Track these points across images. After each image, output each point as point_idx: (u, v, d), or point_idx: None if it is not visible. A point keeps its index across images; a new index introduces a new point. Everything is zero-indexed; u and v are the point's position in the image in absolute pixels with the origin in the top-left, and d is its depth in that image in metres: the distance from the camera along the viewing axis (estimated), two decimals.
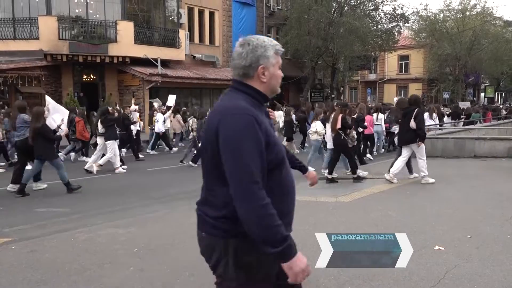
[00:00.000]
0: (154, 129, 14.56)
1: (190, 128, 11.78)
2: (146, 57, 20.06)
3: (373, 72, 43.57)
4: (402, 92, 43.42)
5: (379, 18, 29.17)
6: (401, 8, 29.11)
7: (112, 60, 19.90)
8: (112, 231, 5.44)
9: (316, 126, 10.09)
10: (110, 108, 11.40)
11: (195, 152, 11.28)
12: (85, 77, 21.00)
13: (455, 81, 36.94)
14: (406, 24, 31.91)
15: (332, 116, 8.78)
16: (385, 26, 29.31)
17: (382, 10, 28.94)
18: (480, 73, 40.74)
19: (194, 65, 24.16)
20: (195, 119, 11.63)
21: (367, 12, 28.61)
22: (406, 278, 3.80)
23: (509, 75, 43.70)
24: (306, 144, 14.73)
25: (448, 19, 36.41)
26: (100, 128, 10.44)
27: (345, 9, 27.83)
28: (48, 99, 9.45)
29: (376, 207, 6.35)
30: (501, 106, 29.67)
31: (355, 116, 10.68)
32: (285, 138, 13.26)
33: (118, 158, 10.68)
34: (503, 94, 47.83)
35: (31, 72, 18.36)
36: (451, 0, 51.57)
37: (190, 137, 11.77)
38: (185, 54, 23.09)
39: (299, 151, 14.09)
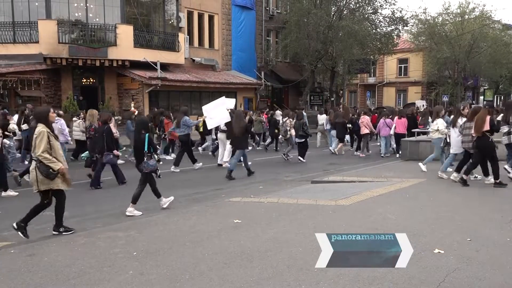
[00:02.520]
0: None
1: (288, 128, 13.25)
2: (146, 61, 20.09)
3: (372, 75, 43.65)
4: (402, 95, 43.53)
5: (378, 21, 29.24)
6: (400, 11, 29.02)
7: (112, 64, 19.94)
8: (111, 235, 5.43)
9: (437, 124, 9.78)
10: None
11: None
12: (84, 80, 21.02)
13: (454, 84, 37.01)
14: (405, 28, 32.01)
15: (475, 117, 8.03)
16: (384, 29, 29.38)
17: (381, 13, 29.05)
18: (479, 76, 40.82)
19: (193, 69, 24.20)
20: (291, 120, 13.43)
21: (366, 16, 28.67)
22: (406, 281, 3.79)
23: (508, 78, 43.75)
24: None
25: (447, 22, 36.48)
26: (222, 126, 11.82)
27: (344, 12, 27.89)
28: (204, 108, 11.72)
29: (376, 210, 6.34)
30: None
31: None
32: (337, 139, 14.96)
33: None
34: (502, 97, 47.90)
35: (31, 76, 18.38)
36: (450, 4, 51.88)
37: (288, 136, 13.30)
38: (185, 58, 23.14)
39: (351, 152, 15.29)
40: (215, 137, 14.39)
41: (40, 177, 5.37)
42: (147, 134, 6.74)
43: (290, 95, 31.94)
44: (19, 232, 5.42)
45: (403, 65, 42.63)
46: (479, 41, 34.71)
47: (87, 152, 9.69)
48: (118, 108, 20.23)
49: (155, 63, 20.33)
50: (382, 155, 13.78)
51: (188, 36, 23.90)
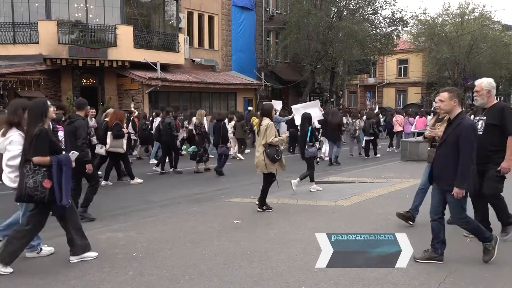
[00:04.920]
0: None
1: (356, 128, 14.69)
2: (146, 61, 20.08)
3: (372, 76, 43.67)
4: (402, 96, 43.53)
5: (378, 22, 29.25)
6: (400, 12, 29.09)
7: (112, 64, 19.92)
8: (111, 235, 5.43)
9: None
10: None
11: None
12: (84, 81, 21.00)
13: (454, 85, 36.88)
14: (405, 28, 32.02)
15: None
16: (384, 30, 29.39)
17: (381, 14, 29.05)
18: (479, 77, 40.64)
19: (193, 69, 24.20)
20: (360, 121, 14.95)
21: (366, 16, 28.68)
22: (406, 282, 3.80)
23: (508, 79, 43.76)
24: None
25: (447, 23, 36.48)
26: (317, 125, 12.67)
27: (344, 13, 27.90)
28: (294, 107, 13.14)
29: (376, 211, 6.35)
30: None
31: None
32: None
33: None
34: (502, 97, 47.96)
35: (31, 76, 18.37)
36: (449, 4, 51.95)
37: (357, 134, 14.74)
38: (185, 58, 23.13)
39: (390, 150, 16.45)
40: None
41: (267, 161, 6.42)
42: (310, 127, 8.13)
43: (290, 95, 31.92)
44: (266, 210, 6.48)
45: (403, 66, 42.66)
46: (478, 41, 34.71)
47: (193, 146, 11.19)
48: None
49: (155, 64, 20.33)
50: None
51: (188, 37, 23.88)
